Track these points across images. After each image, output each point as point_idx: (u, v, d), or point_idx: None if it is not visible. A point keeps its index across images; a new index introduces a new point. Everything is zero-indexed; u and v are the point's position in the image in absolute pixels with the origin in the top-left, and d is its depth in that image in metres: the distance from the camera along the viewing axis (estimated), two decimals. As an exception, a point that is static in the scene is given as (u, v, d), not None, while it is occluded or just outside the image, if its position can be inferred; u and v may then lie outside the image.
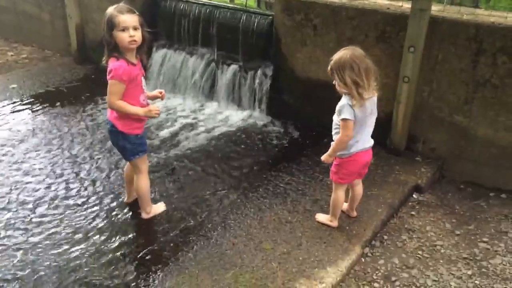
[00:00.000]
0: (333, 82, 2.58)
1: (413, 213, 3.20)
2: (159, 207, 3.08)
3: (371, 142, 2.72)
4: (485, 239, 2.96)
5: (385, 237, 2.96)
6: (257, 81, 4.47)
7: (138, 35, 2.54)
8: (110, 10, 2.53)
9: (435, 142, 3.70)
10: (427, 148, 3.75)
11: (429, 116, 3.65)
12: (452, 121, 3.56)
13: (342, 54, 2.51)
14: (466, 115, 3.48)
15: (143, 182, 2.89)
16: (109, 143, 3.79)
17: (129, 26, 2.49)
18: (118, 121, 2.66)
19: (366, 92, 2.49)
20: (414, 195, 3.39)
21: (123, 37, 2.50)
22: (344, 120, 2.53)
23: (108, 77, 2.55)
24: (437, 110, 3.60)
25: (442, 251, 2.85)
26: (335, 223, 2.90)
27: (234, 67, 4.60)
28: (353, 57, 2.46)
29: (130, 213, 3.05)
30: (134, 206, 3.10)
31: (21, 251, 2.69)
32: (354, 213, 3.00)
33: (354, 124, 2.55)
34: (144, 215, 3.00)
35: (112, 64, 2.53)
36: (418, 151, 3.79)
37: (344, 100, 2.55)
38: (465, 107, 3.47)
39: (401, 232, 3.01)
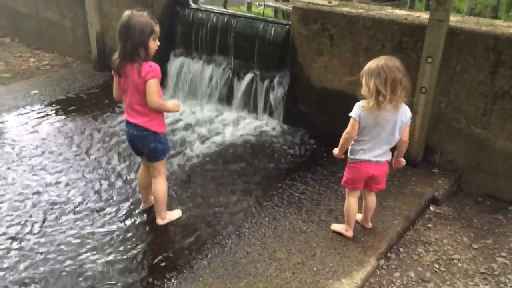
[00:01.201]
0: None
1: (429, 225, 3.16)
2: (175, 214, 3.11)
3: (385, 157, 2.70)
4: (503, 254, 2.91)
5: (401, 249, 2.93)
6: (273, 89, 4.49)
7: None
8: (148, 17, 2.60)
9: (453, 154, 3.66)
10: (444, 159, 3.71)
11: (446, 127, 3.62)
12: (470, 132, 3.51)
13: (376, 60, 2.54)
14: (485, 127, 3.43)
15: (162, 185, 2.94)
16: (127, 148, 3.86)
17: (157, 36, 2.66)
18: (150, 122, 2.75)
19: (386, 104, 2.49)
20: (431, 207, 3.36)
21: (154, 46, 2.66)
22: (350, 116, 2.60)
23: (148, 76, 2.58)
24: (455, 121, 3.56)
25: (459, 265, 2.81)
26: (350, 233, 2.89)
27: (250, 75, 4.62)
28: (384, 66, 2.48)
29: (146, 220, 3.09)
30: (150, 212, 3.13)
31: (37, 255, 2.74)
32: (369, 224, 2.98)
33: (360, 127, 2.58)
34: (160, 221, 3.03)
35: (149, 66, 2.60)
36: (435, 163, 3.75)
37: (360, 101, 2.59)
38: (483, 119, 3.43)
39: (417, 244, 2.97)
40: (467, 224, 3.20)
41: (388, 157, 2.72)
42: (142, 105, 2.69)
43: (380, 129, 2.59)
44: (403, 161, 2.81)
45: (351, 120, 2.61)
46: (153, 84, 2.61)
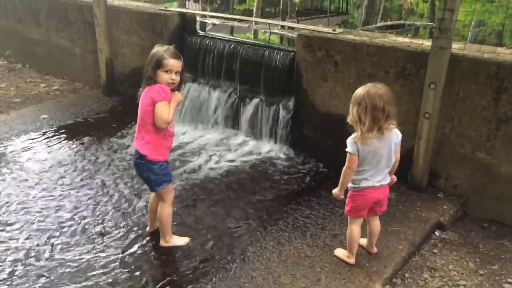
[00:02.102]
0: None
1: (435, 251, 3.15)
2: (180, 240, 3.11)
3: (386, 180, 2.72)
4: (510, 280, 2.88)
5: (407, 275, 2.91)
6: (278, 114, 4.55)
7: (177, 79, 2.76)
8: (160, 50, 2.71)
9: (458, 179, 3.66)
10: (449, 184, 3.71)
11: (451, 153, 3.63)
12: (474, 158, 3.53)
13: (361, 88, 2.56)
14: (489, 152, 3.45)
15: (166, 210, 2.96)
16: (133, 173, 3.90)
17: (173, 70, 2.70)
18: (144, 146, 2.76)
19: (370, 133, 2.51)
20: (436, 233, 3.34)
21: (165, 78, 2.69)
22: (347, 152, 2.61)
23: (157, 98, 2.64)
24: (459, 147, 3.58)
25: (465, 291, 2.78)
26: (352, 260, 2.88)
27: (256, 100, 4.70)
28: (365, 94, 2.49)
29: (151, 244, 3.10)
30: (155, 236, 3.14)
31: (43, 277, 2.76)
32: (374, 249, 2.97)
33: (359, 159, 2.60)
34: (163, 243, 3.05)
35: (159, 87, 2.67)
36: (440, 188, 3.75)
37: (353, 134, 2.61)
38: (487, 144, 3.44)
39: (423, 270, 2.95)
40: (473, 250, 3.18)
41: (388, 179, 2.75)
42: (144, 128, 2.75)
43: (379, 157, 2.62)
44: (394, 178, 2.83)
45: (349, 156, 2.61)
46: (161, 106, 2.66)
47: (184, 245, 3.08)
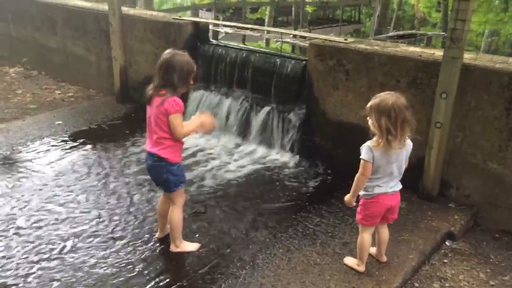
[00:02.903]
0: (367, 119, 2.64)
1: (445, 260, 3.13)
2: (190, 246, 3.13)
3: (398, 186, 2.73)
4: (521, 291, 2.86)
5: (416, 284, 2.90)
6: (289, 123, 4.58)
7: None
8: (190, 60, 2.79)
9: (469, 189, 3.64)
10: (460, 194, 3.69)
11: (462, 162, 3.62)
12: (486, 168, 3.51)
13: (385, 98, 2.55)
14: (501, 162, 3.43)
15: (177, 214, 2.99)
16: (145, 179, 3.96)
17: None
18: (164, 150, 2.81)
19: (395, 142, 2.53)
20: (447, 242, 3.32)
21: (189, 84, 2.82)
22: (362, 159, 2.61)
23: (171, 110, 2.70)
24: (471, 157, 3.57)
25: (476, 302, 2.76)
26: (362, 268, 2.88)
27: (267, 108, 4.73)
28: (394, 105, 2.50)
29: (161, 249, 3.13)
30: (165, 242, 3.18)
31: (55, 281, 2.80)
32: (384, 258, 2.97)
33: (374, 167, 2.61)
34: (173, 248, 3.08)
35: (173, 100, 2.71)
36: (451, 197, 3.73)
37: (368, 141, 2.62)
38: (499, 154, 3.43)
39: (433, 280, 2.94)
40: (484, 260, 3.16)
41: (400, 185, 2.76)
42: (160, 135, 2.79)
43: (393, 165, 2.64)
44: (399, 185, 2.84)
45: (364, 163, 2.62)
46: (174, 118, 2.72)
47: (194, 251, 3.11)
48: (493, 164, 3.47)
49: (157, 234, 3.25)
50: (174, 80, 2.72)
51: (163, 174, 2.87)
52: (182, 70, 2.74)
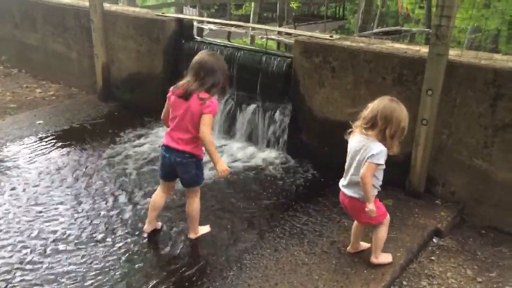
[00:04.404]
0: (379, 125, 2.66)
1: (433, 258, 3.13)
2: (205, 229, 3.26)
3: None
4: (508, 287, 2.87)
5: (404, 282, 2.89)
6: (275, 120, 4.54)
7: None
8: (223, 60, 2.98)
9: (455, 186, 3.66)
10: (447, 191, 3.70)
11: (448, 159, 3.63)
12: (471, 164, 3.52)
13: (394, 106, 2.65)
14: (486, 159, 3.45)
15: (197, 204, 3.11)
16: (130, 178, 3.89)
17: None
18: (195, 148, 2.93)
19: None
20: (434, 240, 3.33)
21: (227, 86, 2.97)
22: (378, 164, 2.64)
23: (206, 110, 2.80)
24: (457, 153, 3.58)
25: (464, 299, 2.77)
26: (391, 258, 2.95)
27: (253, 106, 4.69)
28: (405, 116, 2.65)
29: (146, 251, 3.07)
30: (151, 243, 3.13)
31: (38, 286, 2.72)
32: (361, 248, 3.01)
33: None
34: (192, 235, 3.18)
35: (210, 101, 2.82)
36: (437, 194, 3.74)
37: (380, 146, 2.64)
38: (484, 151, 3.44)
39: (421, 277, 2.94)
40: (471, 257, 3.17)
41: None
42: (194, 134, 2.87)
43: None
44: None
45: (377, 166, 2.65)
46: (208, 118, 2.81)
47: (210, 230, 3.27)
48: (479, 161, 3.48)
49: (145, 227, 3.23)
50: (214, 83, 2.85)
51: (192, 170, 2.97)
52: (222, 74, 2.89)
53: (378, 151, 2.62)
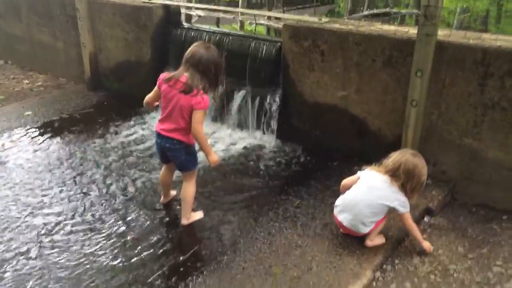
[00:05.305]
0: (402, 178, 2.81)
1: (424, 236, 3.16)
2: (197, 215, 3.28)
3: None
4: (498, 263, 2.92)
5: (397, 261, 2.93)
6: (266, 105, 4.53)
7: None
8: (218, 53, 2.94)
9: (446, 165, 3.69)
10: (437, 170, 3.73)
11: (438, 139, 3.65)
12: (461, 143, 3.55)
13: (417, 162, 2.81)
14: (476, 138, 3.48)
15: (192, 190, 3.16)
16: (121, 167, 3.88)
17: None
18: (185, 136, 2.97)
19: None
20: (425, 219, 3.37)
21: (220, 81, 2.98)
22: (407, 212, 2.87)
23: (197, 106, 2.82)
24: (447, 133, 3.60)
25: (455, 275, 2.81)
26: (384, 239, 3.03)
27: (243, 92, 4.67)
28: (426, 171, 2.83)
29: (141, 238, 3.07)
30: (146, 230, 3.13)
31: (34, 277, 2.72)
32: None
33: None
34: (185, 221, 3.20)
35: (202, 97, 2.84)
36: (428, 174, 3.75)
37: (402, 196, 2.83)
38: (474, 130, 3.47)
39: (413, 256, 2.98)
40: (462, 234, 3.21)
41: None
42: (180, 125, 2.91)
43: None
44: None
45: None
46: (199, 115, 2.84)
47: (202, 216, 3.28)
48: (469, 140, 3.51)
49: (161, 200, 3.44)
50: (211, 79, 2.88)
51: (182, 156, 3.02)
52: (218, 69, 2.90)
53: (400, 202, 2.82)
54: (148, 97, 3.08)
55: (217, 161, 3.01)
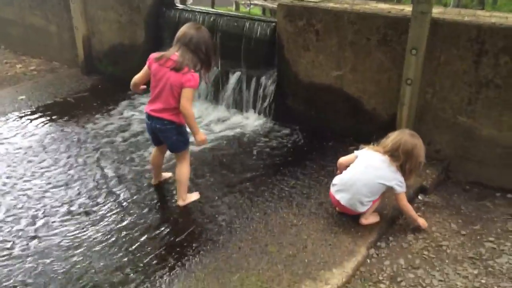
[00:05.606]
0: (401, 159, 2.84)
1: (418, 214, 3.18)
2: (193, 196, 3.28)
3: None
4: (491, 239, 2.95)
5: (391, 238, 2.96)
6: (261, 86, 4.51)
7: None
8: (209, 34, 2.95)
9: (440, 144, 3.70)
10: (432, 149, 3.74)
11: (433, 118, 3.66)
12: (456, 122, 3.56)
13: (415, 143, 2.83)
14: (470, 116, 3.48)
15: (186, 170, 3.17)
16: (116, 151, 3.88)
17: None
18: (174, 116, 2.95)
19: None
20: (419, 197, 3.40)
21: (213, 61, 2.98)
22: (404, 192, 2.90)
23: (187, 84, 2.83)
24: (441, 112, 3.60)
25: (448, 251, 2.85)
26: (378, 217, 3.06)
27: (238, 73, 4.64)
28: (424, 152, 2.85)
29: (136, 219, 3.09)
30: (141, 211, 3.14)
31: (29, 259, 2.74)
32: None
33: None
34: (181, 202, 3.20)
35: (191, 74, 2.84)
36: (423, 153, 3.79)
37: (399, 177, 2.86)
38: (468, 108, 3.47)
39: (407, 233, 3.01)
40: (455, 212, 3.24)
41: None
42: (172, 105, 2.90)
43: None
44: None
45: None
46: (189, 92, 2.84)
47: (199, 197, 3.29)
48: (463, 118, 3.52)
49: (152, 181, 3.46)
50: (202, 59, 2.88)
51: (173, 136, 3.02)
52: (208, 50, 2.89)
53: (398, 181, 2.86)
54: (136, 77, 3.06)
55: (204, 140, 3.00)
